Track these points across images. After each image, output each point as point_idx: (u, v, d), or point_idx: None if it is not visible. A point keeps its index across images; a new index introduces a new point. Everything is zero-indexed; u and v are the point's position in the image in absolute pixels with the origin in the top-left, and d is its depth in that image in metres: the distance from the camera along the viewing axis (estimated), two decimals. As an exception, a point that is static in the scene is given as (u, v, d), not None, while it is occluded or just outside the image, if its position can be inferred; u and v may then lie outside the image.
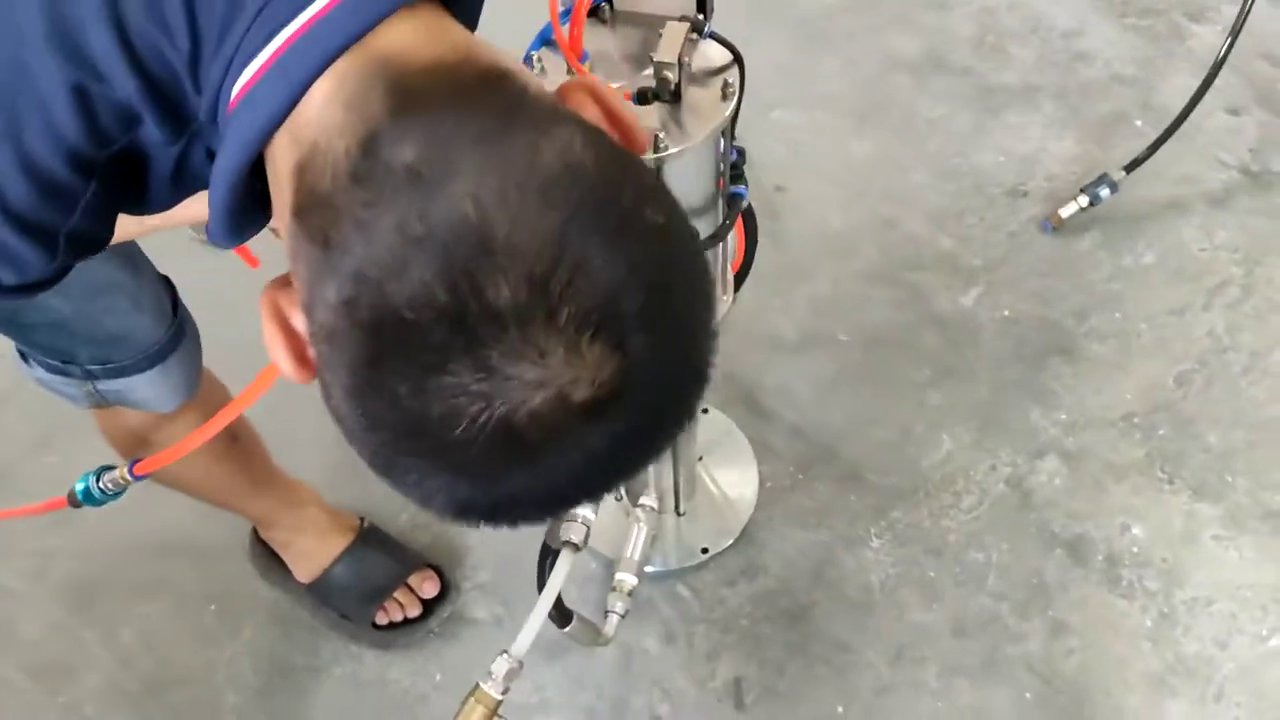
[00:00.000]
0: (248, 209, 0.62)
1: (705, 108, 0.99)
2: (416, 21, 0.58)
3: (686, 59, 0.97)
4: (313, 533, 1.51)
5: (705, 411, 1.69)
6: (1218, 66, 1.76)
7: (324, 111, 0.55)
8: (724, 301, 1.24)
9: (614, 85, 0.99)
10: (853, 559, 1.56)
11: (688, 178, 1.03)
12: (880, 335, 1.77)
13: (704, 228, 1.09)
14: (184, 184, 0.67)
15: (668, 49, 0.95)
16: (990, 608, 1.50)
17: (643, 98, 0.96)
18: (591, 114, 0.62)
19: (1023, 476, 1.61)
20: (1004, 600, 1.50)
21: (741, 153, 1.12)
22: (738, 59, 1.02)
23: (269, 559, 1.56)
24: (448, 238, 0.50)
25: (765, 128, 2.02)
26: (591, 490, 0.58)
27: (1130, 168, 1.82)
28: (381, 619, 1.52)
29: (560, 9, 0.99)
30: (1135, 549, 1.54)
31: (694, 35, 1.00)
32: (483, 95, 0.56)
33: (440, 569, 1.55)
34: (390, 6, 0.56)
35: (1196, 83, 1.78)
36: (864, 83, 2.09)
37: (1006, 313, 1.78)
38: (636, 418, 0.54)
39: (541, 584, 1.13)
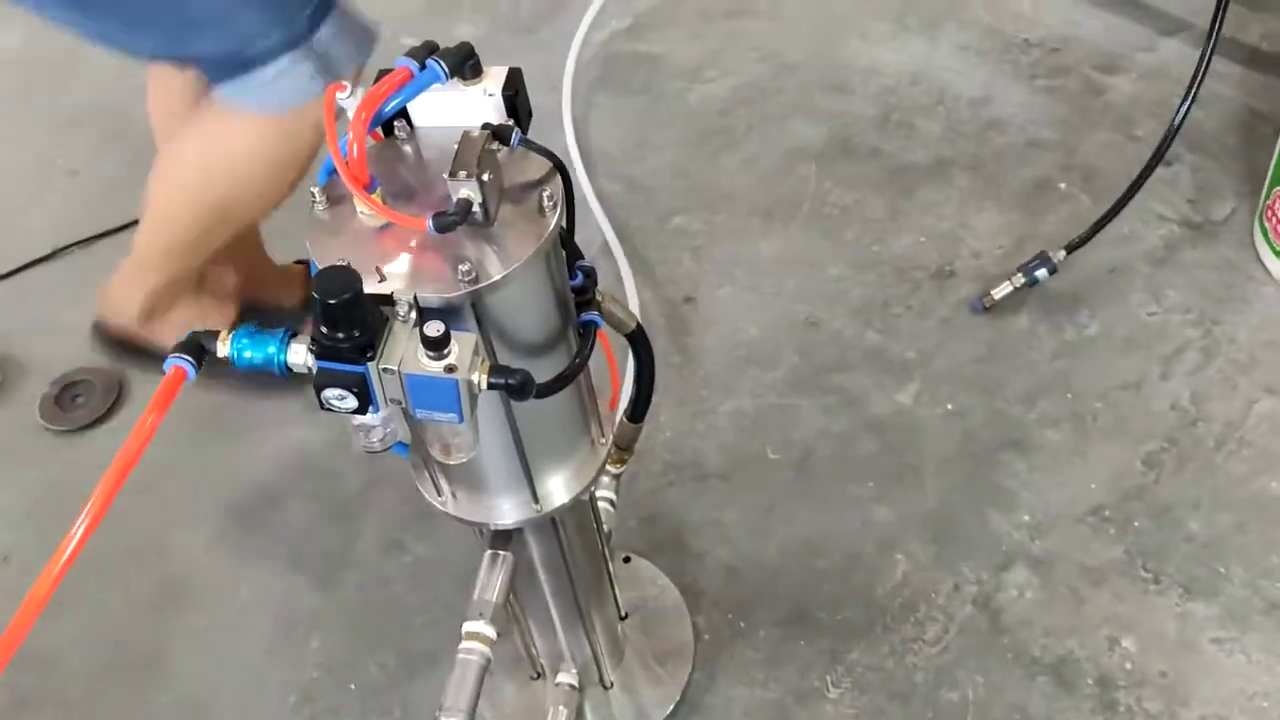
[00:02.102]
0: None
1: (523, 227, 0.83)
2: None
3: (491, 175, 0.81)
4: None
5: (627, 560, 1.49)
6: (1170, 136, 1.59)
7: None
8: (601, 445, 1.05)
9: (412, 214, 0.82)
10: (809, 716, 1.34)
11: (517, 311, 0.86)
12: (813, 449, 1.58)
13: (553, 366, 0.91)
14: None
15: (462, 164, 0.79)
16: (972, 757, 1.29)
17: (441, 224, 0.80)
18: None
19: (990, 594, 1.41)
20: (987, 746, 1.29)
21: (589, 274, 0.95)
22: (559, 168, 0.86)
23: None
24: None
25: (667, 237, 1.87)
26: None
27: (1072, 248, 1.66)
28: None
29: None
30: (1128, 665, 1.33)
31: (498, 146, 0.83)
32: None
33: None
34: None
35: (1119, 138, 1.66)
36: (767, 176, 1.95)
37: (949, 406, 1.60)
38: None
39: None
